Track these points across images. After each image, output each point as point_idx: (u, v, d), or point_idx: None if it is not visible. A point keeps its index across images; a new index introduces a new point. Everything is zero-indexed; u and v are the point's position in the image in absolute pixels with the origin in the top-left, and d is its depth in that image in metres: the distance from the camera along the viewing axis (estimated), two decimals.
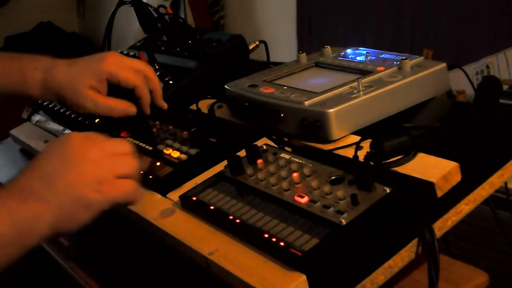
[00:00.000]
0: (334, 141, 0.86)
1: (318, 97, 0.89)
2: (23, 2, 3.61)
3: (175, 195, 0.83)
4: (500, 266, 1.57)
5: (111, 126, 1.01)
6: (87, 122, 1.07)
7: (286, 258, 0.65)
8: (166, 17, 1.28)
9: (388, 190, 0.70)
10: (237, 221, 0.72)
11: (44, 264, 0.98)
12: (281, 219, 0.70)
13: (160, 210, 0.81)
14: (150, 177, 0.88)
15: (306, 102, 0.88)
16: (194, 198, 0.79)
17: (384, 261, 0.66)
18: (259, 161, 0.82)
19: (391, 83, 0.92)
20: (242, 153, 0.85)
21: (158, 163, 0.90)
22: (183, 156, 0.90)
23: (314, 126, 0.86)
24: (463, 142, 0.84)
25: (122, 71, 0.98)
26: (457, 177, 0.74)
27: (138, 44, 1.36)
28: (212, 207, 0.76)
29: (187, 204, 0.80)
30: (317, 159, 0.80)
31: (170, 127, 1.00)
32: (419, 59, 0.99)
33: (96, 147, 0.70)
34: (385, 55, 1.04)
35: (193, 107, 1.07)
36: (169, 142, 0.95)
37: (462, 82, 1.87)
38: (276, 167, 0.80)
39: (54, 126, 1.15)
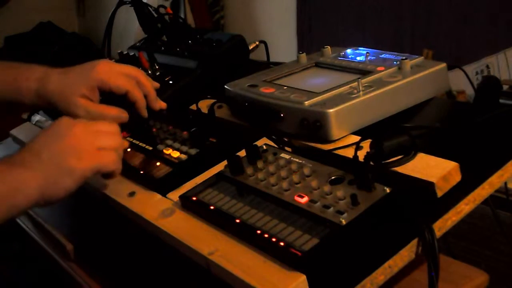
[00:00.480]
0: (334, 141, 0.86)
1: (318, 97, 0.89)
2: (23, 2, 3.61)
3: (175, 195, 0.83)
4: (500, 266, 1.57)
5: None
6: None
7: (286, 258, 0.65)
8: (166, 17, 1.28)
9: (388, 190, 0.70)
10: (237, 221, 0.72)
11: (44, 264, 0.98)
12: (281, 219, 0.70)
13: (160, 210, 0.81)
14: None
15: (306, 102, 0.88)
16: (194, 198, 0.79)
17: (384, 261, 0.66)
18: (259, 161, 0.82)
19: (391, 83, 0.92)
20: (242, 153, 0.85)
21: (158, 163, 0.90)
22: (183, 156, 0.90)
23: (314, 126, 0.86)
24: (463, 142, 0.84)
25: (112, 78, 0.99)
26: (457, 177, 0.74)
27: (138, 44, 1.36)
28: (212, 207, 0.76)
29: (187, 204, 0.80)
30: (317, 159, 0.80)
31: (170, 127, 1.00)
32: (419, 59, 0.99)
33: (81, 125, 0.79)
34: (385, 55, 1.04)
35: (193, 107, 1.07)
36: (169, 142, 0.95)
37: (462, 82, 1.87)
38: (276, 167, 0.80)
39: None
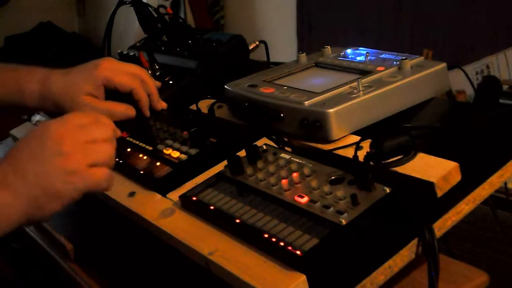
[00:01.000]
0: (334, 141, 0.86)
1: (318, 97, 0.89)
2: (23, 2, 3.61)
3: (175, 195, 0.83)
4: (500, 266, 1.57)
5: None
6: None
7: (286, 258, 0.65)
8: (166, 17, 1.28)
9: (388, 190, 0.70)
10: (237, 221, 0.72)
11: (44, 264, 0.98)
12: (281, 219, 0.70)
13: (160, 210, 0.81)
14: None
15: (306, 102, 0.89)
16: (194, 198, 0.79)
17: (384, 261, 0.66)
18: (259, 161, 0.82)
19: (391, 83, 0.92)
20: (242, 153, 0.85)
21: (158, 163, 0.90)
22: (183, 156, 0.90)
23: (314, 126, 0.86)
24: (463, 142, 0.84)
25: (117, 75, 0.99)
26: (457, 177, 0.74)
27: (138, 44, 1.36)
28: (212, 207, 0.76)
29: (187, 204, 0.80)
30: (317, 159, 0.80)
31: (170, 127, 1.00)
32: (419, 59, 0.99)
33: (70, 137, 0.70)
34: (385, 55, 1.04)
35: (193, 107, 1.07)
36: (169, 142, 0.95)
37: (462, 82, 1.87)
38: (276, 167, 0.80)
39: None
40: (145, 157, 0.93)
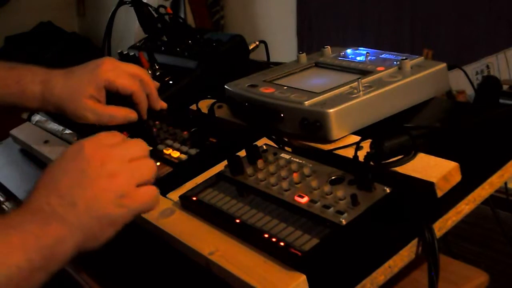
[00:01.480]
0: (334, 141, 0.86)
1: (318, 97, 0.89)
2: (23, 2, 3.61)
3: (175, 195, 0.83)
4: (500, 266, 1.57)
5: (111, 127, 1.01)
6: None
7: (286, 258, 0.65)
8: (166, 17, 1.28)
9: (388, 190, 0.70)
10: (237, 221, 0.72)
11: None
12: (281, 219, 0.70)
13: (160, 210, 0.81)
14: None
15: (306, 102, 0.89)
16: (194, 198, 0.79)
17: (384, 261, 0.66)
18: (259, 161, 0.82)
19: (391, 83, 0.92)
20: (242, 153, 0.85)
21: (158, 163, 0.90)
22: (183, 156, 0.90)
23: (314, 126, 0.86)
24: (463, 142, 0.84)
25: (119, 77, 0.98)
26: (457, 177, 0.74)
27: (138, 44, 1.36)
28: (212, 207, 0.76)
29: (187, 204, 0.80)
30: (317, 159, 0.80)
31: (170, 127, 1.00)
32: (419, 59, 0.99)
33: (111, 156, 0.65)
34: (385, 55, 1.04)
35: (193, 107, 1.07)
36: (169, 142, 0.95)
37: (462, 82, 1.88)
38: (276, 167, 0.80)
39: (54, 126, 1.15)
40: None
